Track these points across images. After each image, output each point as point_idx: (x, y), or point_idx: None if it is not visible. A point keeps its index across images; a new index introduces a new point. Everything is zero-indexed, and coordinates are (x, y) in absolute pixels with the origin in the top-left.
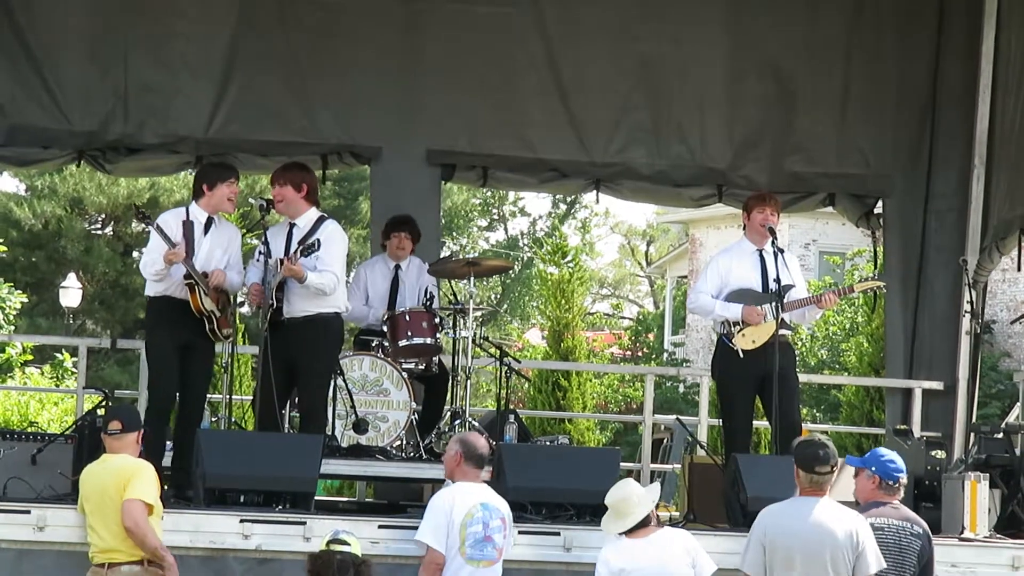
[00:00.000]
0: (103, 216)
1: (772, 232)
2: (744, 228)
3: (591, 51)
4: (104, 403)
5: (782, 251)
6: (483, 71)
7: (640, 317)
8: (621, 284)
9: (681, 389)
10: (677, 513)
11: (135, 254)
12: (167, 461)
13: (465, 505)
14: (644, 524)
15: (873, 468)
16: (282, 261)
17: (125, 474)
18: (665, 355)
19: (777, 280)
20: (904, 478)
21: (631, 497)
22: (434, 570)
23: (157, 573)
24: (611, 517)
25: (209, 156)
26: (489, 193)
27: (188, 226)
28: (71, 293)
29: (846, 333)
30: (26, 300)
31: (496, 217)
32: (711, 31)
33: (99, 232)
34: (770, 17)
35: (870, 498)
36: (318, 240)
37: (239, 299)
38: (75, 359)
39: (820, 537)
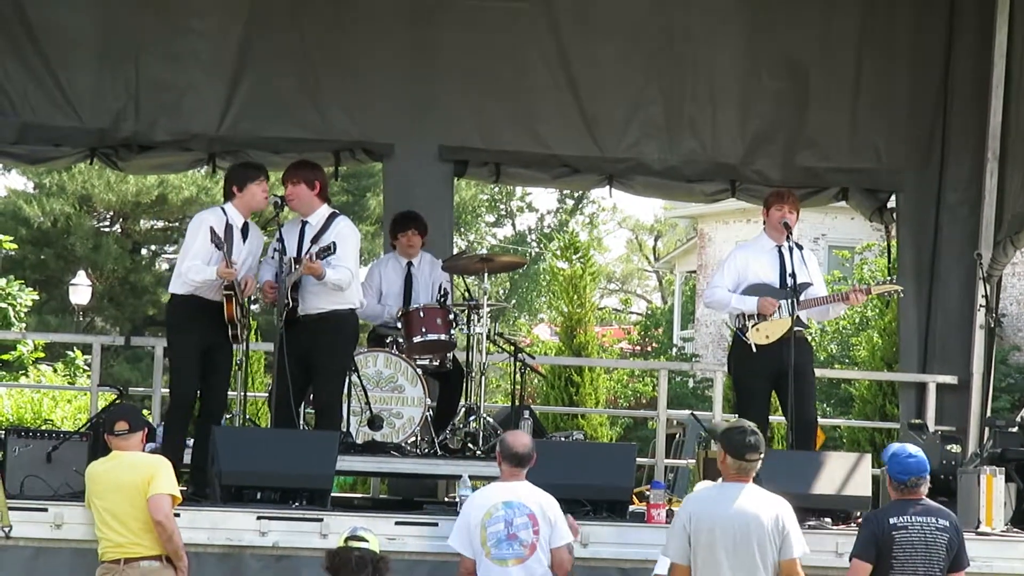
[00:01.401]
0: (112, 213)
1: (788, 228)
2: (763, 224)
3: (603, 46)
4: (118, 400)
5: (800, 247)
6: (495, 67)
7: (649, 312)
8: (629, 279)
9: (691, 384)
10: None
11: (144, 251)
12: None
13: (484, 505)
14: None
15: (887, 467)
16: (298, 260)
17: (147, 469)
18: (674, 350)
19: (793, 276)
20: (916, 478)
21: None
22: (463, 575)
23: (173, 571)
24: None
25: (221, 153)
26: (496, 189)
27: (228, 231)
28: (81, 290)
29: (856, 327)
30: (36, 297)
31: (504, 213)
32: (724, 26)
33: (108, 229)
34: (783, 13)
35: (893, 496)
36: (334, 243)
37: (252, 297)
38: (87, 356)
39: (746, 522)
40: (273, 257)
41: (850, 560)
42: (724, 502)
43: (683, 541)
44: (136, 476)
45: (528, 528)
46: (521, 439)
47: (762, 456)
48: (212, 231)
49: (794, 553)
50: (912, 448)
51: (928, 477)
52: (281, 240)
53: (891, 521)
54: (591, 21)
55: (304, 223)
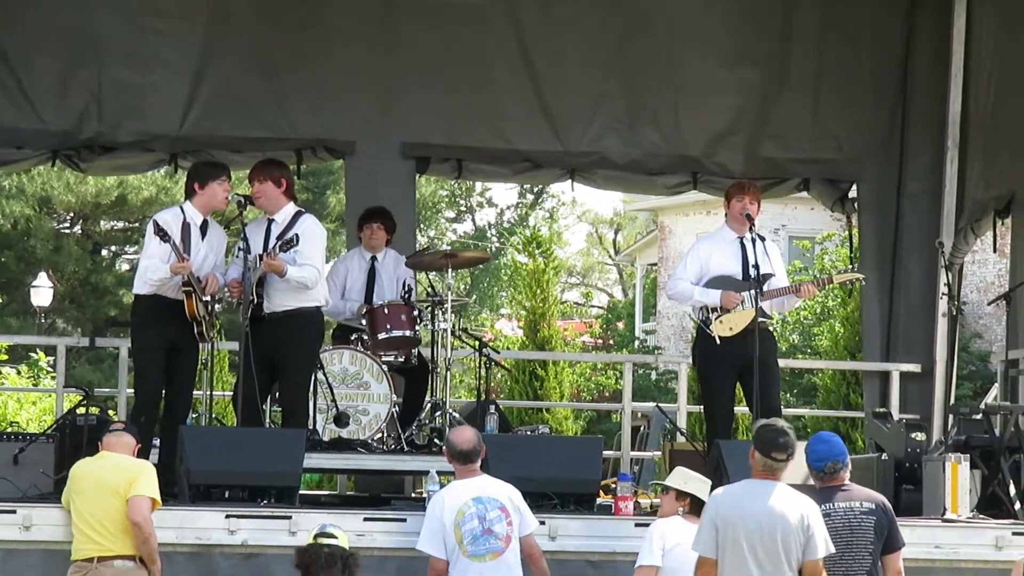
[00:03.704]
0: (72, 215)
1: (751, 219)
2: (725, 216)
3: (565, 41)
4: (84, 402)
5: (763, 239)
6: (457, 64)
7: (610, 305)
8: (590, 272)
9: (653, 376)
10: (658, 500)
11: (104, 252)
12: (154, 459)
13: (455, 504)
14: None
15: (806, 459)
16: (262, 257)
17: (131, 471)
18: (636, 342)
19: (756, 267)
20: (832, 463)
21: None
22: None
23: (146, 573)
24: (701, 487)
25: (183, 153)
26: (456, 184)
27: (186, 228)
28: (42, 292)
29: (817, 317)
30: None
31: (463, 208)
32: (685, 19)
33: (68, 231)
34: (745, 5)
35: (817, 486)
36: (296, 235)
37: (218, 296)
38: (50, 358)
39: (773, 520)
40: (238, 256)
41: None
42: (753, 499)
43: (711, 535)
44: (119, 477)
45: (502, 521)
46: (464, 435)
47: (790, 457)
48: (156, 224)
49: (818, 554)
50: (827, 435)
51: (847, 461)
52: (245, 239)
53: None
54: (552, 16)
55: (270, 221)
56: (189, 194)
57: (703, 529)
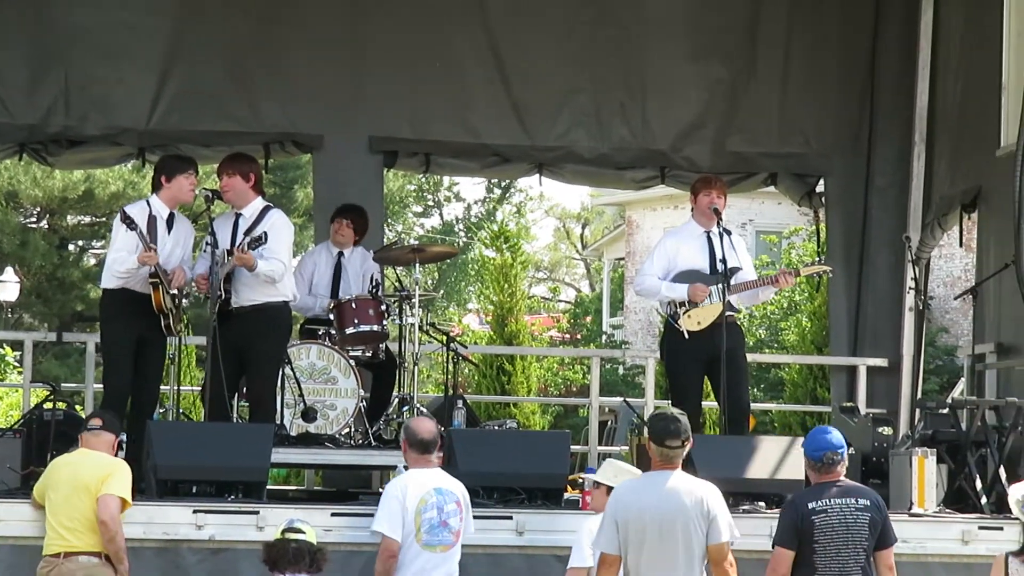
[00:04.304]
0: (38, 209)
1: (718, 214)
2: (692, 211)
3: (533, 35)
4: (51, 397)
5: (729, 233)
6: (425, 58)
7: (578, 300)
8: (557, 267)
9: (621, 371)
10: None
11: (71, 247)
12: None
13: (418, 492)
14: None
15: (804, 450)
16: (230, 252)
17: (105, 469)
18: (604, 337)
19: (723, 262)
20: (830, 454)
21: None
22: (387, 558)
23: (112, 571)
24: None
25: (151, 147)
26: (424, 179)
27: (152, 221)
28: (9, 287)
29: (784, 312)
30: None
31: (431, 203)
32: (653, 13)
33: (34, 225)
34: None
35: (812, 479)
36: (265, 233)
37: (185, 291)
38: (17, 353)
39: (672, 509)
40: (206, 250)
41: (773, 547)
42: (650, 490)
43: (612, 531)
44: (93, 474)
45: (456, 515)
46: (425, 425)
47: (685, 443)
48: (123, 212)
49: (722, 538)
50: (826, 428)
51: (844, 455)
52: (213, 233)
53: (810, 506)
54: (520, 10)
55: (238, 215)
56: (155, 187)
57: (605, 526)
